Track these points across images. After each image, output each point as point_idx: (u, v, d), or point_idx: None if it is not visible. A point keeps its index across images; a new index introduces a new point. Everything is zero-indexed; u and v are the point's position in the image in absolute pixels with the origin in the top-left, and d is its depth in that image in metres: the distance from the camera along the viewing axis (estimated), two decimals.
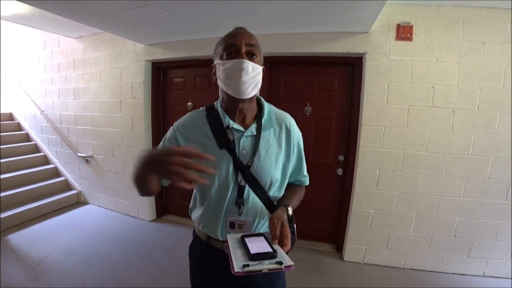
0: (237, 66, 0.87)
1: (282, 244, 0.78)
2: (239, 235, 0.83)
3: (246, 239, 0.80)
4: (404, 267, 2.56)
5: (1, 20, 3.10)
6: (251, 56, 0.90)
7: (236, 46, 0.88)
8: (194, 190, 1.09)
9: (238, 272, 0.67)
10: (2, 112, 4.60)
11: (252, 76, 0.89)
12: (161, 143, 1.04)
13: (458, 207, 2.39)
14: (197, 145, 0.97)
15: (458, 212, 2.40)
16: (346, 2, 1.87)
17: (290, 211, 0.93)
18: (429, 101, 2.32)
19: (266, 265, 0.69)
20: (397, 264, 2.57)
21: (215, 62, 0.96)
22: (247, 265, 0.69)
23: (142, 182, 0.83)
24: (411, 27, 2.29)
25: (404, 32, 2.30)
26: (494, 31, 2.19)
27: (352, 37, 2.43)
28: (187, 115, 1.05)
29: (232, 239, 0.81)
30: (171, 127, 1.03)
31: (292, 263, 0.71)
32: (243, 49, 0.88)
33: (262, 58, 0.97)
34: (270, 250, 0.75)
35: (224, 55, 0.90)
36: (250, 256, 0.72)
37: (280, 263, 0.70)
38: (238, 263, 0.70)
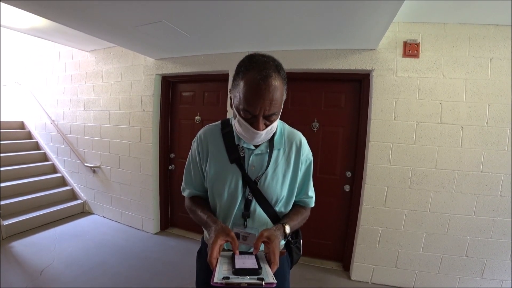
0: (252, 133, 0.89)
1: (270, 262, 0.79)
2: (231, 253, 0.85)
3: (236, 257, 0.81)
4: None
5: (20, 33, 3.22)
6: (269, 117, 0.87)
7: (255, 115, 0.85)
8: None
9: (216, 283, 0.68)
10: (14, 120, 4.74)
11: (266, 136, 0.93)
12: (188, 158, 1.10)
13: (469, 226, 2.33)
14: (211, 157, 1.02)
15: (470, 231, 2.33)
16: (353, 20, 1.91)
17: (288, 229, 0.95)
18: (437, 117, 2.32)
19: (245, 280, 0.70)
20: (406, 284, 2.48)
21: (232, 96, 0.92)
22: (227, 278, 0.70)
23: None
24: (417, 45, 2.32)
25: (410, 49, 2.33)
26: (501, 48, 2.20)
27: (359, 54, 2.47)
28: (205, 127, 1.09)
29: (224, 255, 0.83)
30: (194, 139, 1.08)
31: (274, 281, 0.71)
32: (261, 118, 0.85)
33: (285, 95, 0.91)
34: (256, 267, 0.75)
35: (240, 111, 0.87)
36: (233, 270, 0.73)
37: (262, 279, 0.70)
38: (219, 275, 0.71)
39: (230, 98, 0.95)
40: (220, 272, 0.73)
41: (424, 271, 2.45)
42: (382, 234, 2.49)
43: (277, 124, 1.02)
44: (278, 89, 0.84)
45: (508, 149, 2.22)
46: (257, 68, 0.82)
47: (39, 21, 2.70)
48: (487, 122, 2.25)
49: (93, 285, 2.30)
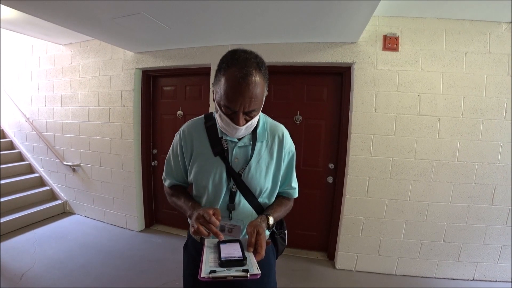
0: (232, 127, 0.90)
1: (256, 252, 0.81)
2: (216, 241, 0.86)
3: (222, 245, 0.83)
4: (396, 274, 2.57)
5: None
6: (249, 113, 0.89)
7: (235, 111, 0.87)
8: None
9: (204, 277, 0.70)
10: None
11: (247, 130, 0.95)
12: (170, 150, 1.12)
13: (446, 212, 2.44)
14: (195, 151, 1.04)
15: (447, 217, 2.45)
16: (334, 13, 1.92)
17: (271, 221, 0.97)
18: (416, 109, 2.39)
19: (231, 273, 0.72)
20: (388, 270, 2.58)
21: (214, 90, 0.94)
22: (214, 271, 0.71)
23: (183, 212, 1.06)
24: (397, 38, 2.37)
25: (390, 42, 2.38)
26: (475, 42, 2.29)
27: (340, 47, 2.49)
28: (189, 121, 1.10)
29: (208, 243, 0.85)
30: (177, 133, 1.09)
31: (259, 272, 0.73)
32: (241, 115, 0.87)
33: (266, 90, 0.92)
34: (241, 257, 0.77)
35: (221, 106, 0.89)
36: (220, 262, 0.75)
37: (247, 271, 0.73)
38: (206, 268, 0.73)
39: (213, 92, 0.96)
40: (207, 264, 0.75)
41: (405, 257, 2.55)
42: (365, 223, 2.57)
43: (260, 117, 1.04)
44: (259, 86, 0.85)
45: (481, 139, 2.33)
46: (238, 65, 0.83)
47: (9, 13, 2.54)
48: (462, 114, 2.34)
49: None
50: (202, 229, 0.83)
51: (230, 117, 0.89)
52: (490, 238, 2.43)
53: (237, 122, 0.88)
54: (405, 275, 2.56)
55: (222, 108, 0.88)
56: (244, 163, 1.00)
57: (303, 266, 2.71)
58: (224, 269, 0.73)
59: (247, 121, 0.90)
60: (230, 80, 0.83)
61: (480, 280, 2.48)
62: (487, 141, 2.33)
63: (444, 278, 2.51)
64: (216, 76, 0.91)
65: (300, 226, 2.92)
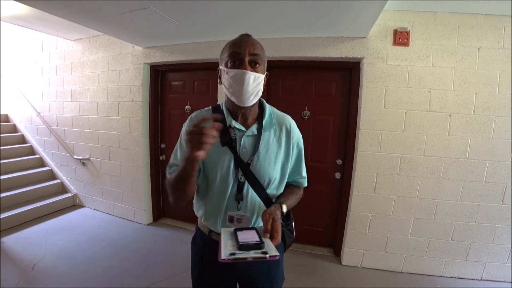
0: (240, 76, 0.91)
1: (272, 238, 0.82)
2: (232, 229, 0.88)
3: (238, 232, 0.85)
4: (402, 271, 2.55)
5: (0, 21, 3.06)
6: (254, 65, 0.93)
7: (240, 55, 0.91)
8: (198, 185, 1.11)
9: (224, 259, 0.71)
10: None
11: (254, 86, 0.94)
12: (178, 141, 1.10)
13: (455, 211, 2.40)
14: None
15: (456, 216, 2.41)
16: (344, 7, 1.89)
17: (285, 209, 0.98)
18: (426, 105, 2.35)
19: (251, 254, 0.73)
20: (395, 268, 2.57)
21: (221, 67, 0.99)
22: (234, 254, 0.73)
23: (181, 182, 0.92)
24: (407, 33, 2.32)
25: (401, 37, 2.33)
26: (489, 37, 2.23)
27: (350, 42, 2.46)
28: (196, 112, 1.12)
29: (225, 232, 0.87)
30: (185, 123, 1.11)
31: (277, 253, 0.74)
32: (246, 59, 0.91)
33: (266, 64, 1.00)
34: (258, 241, 0.79)
35: (228, 63, 0.93)
36: (238, 246, 0.77)
37: (265, 253, 0.74)
38: (226, 251, 0.74)
39: (219, 76, 1.00)
40: (226, 248, 0.76)
41: (412, 255, 2.53)
42: (372, 220, 2.55)
43: (266, 107, 1.06)
44: (259, 46, 0.96)
45: (493, 136, 2.29)
46: (239, 35, 0.96)
47: (20, 8, 2.58)
48: (473, 110, 2.29)
49: (86, 279, 2.30)
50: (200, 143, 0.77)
51: (237, 68, 0.92)
52: (500, 237, 2.39)
53: (244, 66, 0.91)
54: (411, 273, 2.54)
55: (229, 62, 0.93)
56: (252, 152, 1.00)
57: (309, 261, 2.71)
58: (243, 252, 0.74)
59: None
60: (233, 39, 0.95)
61: (488, 280, 2.45)
62: (499, 138, 2.28)
63: (452, 277, 2.49)
64: (221, 54, 1.00)
65: (307, 222, 2.93)
